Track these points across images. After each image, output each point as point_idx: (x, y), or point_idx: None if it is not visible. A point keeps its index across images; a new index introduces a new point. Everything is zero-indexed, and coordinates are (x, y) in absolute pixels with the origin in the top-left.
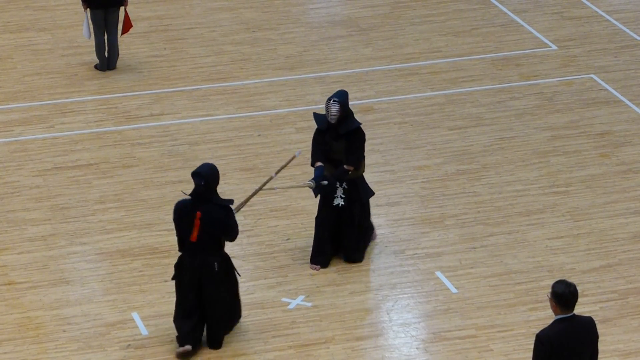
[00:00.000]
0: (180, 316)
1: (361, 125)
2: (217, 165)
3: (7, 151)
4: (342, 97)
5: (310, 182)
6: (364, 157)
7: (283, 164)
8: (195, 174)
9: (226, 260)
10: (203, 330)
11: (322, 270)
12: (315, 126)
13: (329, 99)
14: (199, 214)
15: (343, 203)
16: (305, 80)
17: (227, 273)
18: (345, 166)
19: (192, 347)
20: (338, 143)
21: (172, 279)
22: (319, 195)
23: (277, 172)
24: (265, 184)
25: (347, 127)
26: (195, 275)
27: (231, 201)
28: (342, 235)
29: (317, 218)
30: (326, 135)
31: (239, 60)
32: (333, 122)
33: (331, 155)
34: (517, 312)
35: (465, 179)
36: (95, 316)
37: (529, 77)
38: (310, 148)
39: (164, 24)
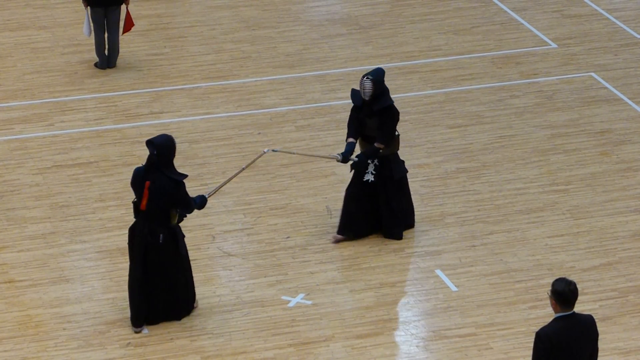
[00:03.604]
0: (132, 286)
1: (394, 104)
2: (216, 163)
3: (7, 149)
4: (376, 74)
5: (337, 155)
6: (397, 134)
7: (252, 160)
8: (149, 143)
9: (173, 235)
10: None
11: (322, 268)
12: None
13: (364, 76)
14: (147, 183)
15: (373, 179)
16: (305, 78)
17: (175, 249)
18: (376, 144)
19: (145, 320)
20: (371, 120)
21: (128, 244)
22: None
23: (247, 166)
24: (235, 175)
25: (380, 104)
26: (142, 244)
27: (184, 175)
28: (379, 212)
29: (347, 192)
30: (361, 112)
31: (239, 59)
32: (366, 99)
33: (365, 132)
34: (517, 310)
35: (465, 177)
36: (95, 314)
37: (529, 76)
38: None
39: (163, 22)
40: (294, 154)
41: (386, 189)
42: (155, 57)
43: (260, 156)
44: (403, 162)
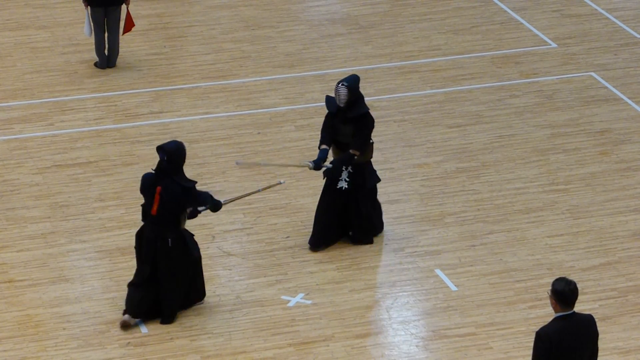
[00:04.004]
0: (132, 283)
1: (369, 111)
2: (215, 162)
3: (7, 149)
4: (351, 81)
5: (309, 163)
6: (372, 142)
7: (269, 186)
8: (159, 149)
9: (182, 238)
10: (151, 303)
11: (322, 268)
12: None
13: (339, 82)
14: (159, 188)
15: (347, 186)
16: (304, 78)
17: (184, 251)
18: (351, 151)
19: (135, 319)
20: (346, 127)
21: (135, 247)
22: (325, 179)
23: (263, 189)
24: (250, 194)
25: (356, 111)
26: (151, 248)
27: (194, 182)
28: (349, 218)
29: (319, 201)
30: (335, 118)
31: (239, 58)
32: (342, 105)
33: (338, 139)
34: (516, 310)
35: (465, 177)
36: (95, 314)
37: (528, 75)
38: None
39: (163, 21)
40: (261, 165)
41: (357, 197)
42: (155, 57)
43: (276, 184)
44: (375, 171)
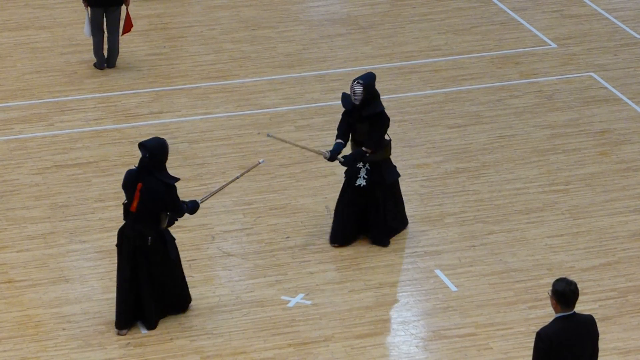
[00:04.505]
0: (120, 287)
1: (384, 110)
2: (215, 163)
3: (7, 149)
4: (367, 79)
5: (325, 152)
6: (389, 140)
7: (247, 169)
8: (141, 146)
9: (162, 238)
10: (136, 306)
11: (322, 268)
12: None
13: (354, 80)
14: (139, 185)
15: (365, 184)
16: (304, 78)
17: (164, 252)
18: (363, 148)
19: (130, 323)
20: (362, 125)
21: (116, 245)
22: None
23: (241, 174)
24: (229, 182)
25: (370, 110)
26: (131, 245)
27: (176, 179)
28: (368, 217)
29: (340, 198)
30: (351, 116)
31: (239, 59)
32: (357, 103)
33: (355, 137)
34: (516, 310)
35: (464, 177)
36: (95, 314)
37: (528, 75)
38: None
39: (163, 22)
40: (286, 142)
41: (375, 195)
42: (155, 57)
43: (255, 166)
44: (395, 167)
